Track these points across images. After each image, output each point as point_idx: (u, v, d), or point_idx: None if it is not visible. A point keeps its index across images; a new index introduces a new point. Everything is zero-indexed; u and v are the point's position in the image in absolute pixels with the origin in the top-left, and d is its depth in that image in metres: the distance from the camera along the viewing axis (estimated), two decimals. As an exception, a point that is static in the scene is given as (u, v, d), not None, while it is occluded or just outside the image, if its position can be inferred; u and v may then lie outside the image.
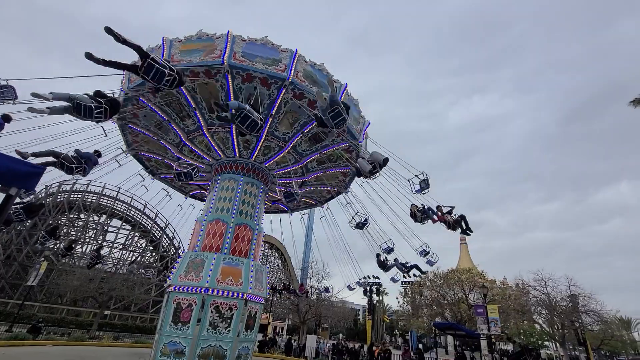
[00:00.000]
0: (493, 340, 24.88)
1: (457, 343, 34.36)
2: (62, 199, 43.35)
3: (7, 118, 8.88)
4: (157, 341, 10.91)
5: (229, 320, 11.09)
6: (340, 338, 63.89)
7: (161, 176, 17.51)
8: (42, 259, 36.85)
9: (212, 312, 10.94)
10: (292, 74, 10.93)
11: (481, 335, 21.30)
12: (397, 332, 68.60)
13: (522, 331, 35.68)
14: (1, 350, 14.07)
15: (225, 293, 11.29)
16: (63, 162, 9.37)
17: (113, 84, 12.62)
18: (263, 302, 13.20)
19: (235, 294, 11.43)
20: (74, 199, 44.40)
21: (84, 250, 43.88)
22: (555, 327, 28.14)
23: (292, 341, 27.26)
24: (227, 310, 11.16)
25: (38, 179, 3.09)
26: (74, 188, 44.23)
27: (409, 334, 49.73)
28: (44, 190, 40.25)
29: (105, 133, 12.79)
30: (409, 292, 48.19)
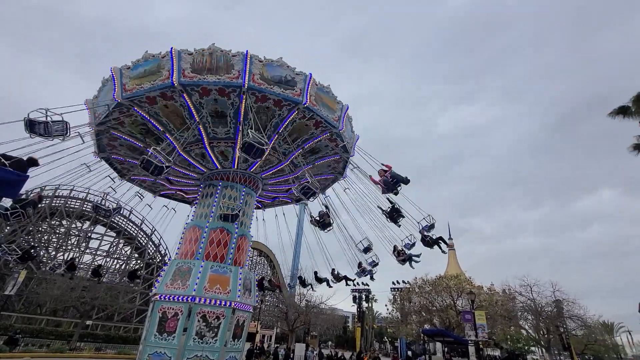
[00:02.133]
0: (481, 346, 25.08)
1: (446, 350, 34.49)
2: (43, 205, 42.02)
3: (33, 162, 7.24)
4: (141, 352, 10.62)
5: (216, 330, 10.90)
6: (330, 346, 63.40)
7: (132, 177, 16.40)
8: (21, 267, 35.55)
9: (198, 321, 10.74)
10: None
11: (469, 342, 21.46)
12: (387, 339, 68.44)
13: (509, 337, 36.08)
14: (-25, 364, 13.43)
15: (213, 302, 11.11)
16: None
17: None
18: (251, 310, 13.04)
19: (223, 303, 11.26)
20: (56, 204, 43.11)
21: (65, 258, 42.51)
22: (541, 332, 28.60)
23: (279, 350, 26.91)
24: (214, 319, 10.97)
25: (21, 186, 3.01)
26: (57, 193, 42.98)
27: (398, 341, 49.70)
28: (23, 195, 39.00)
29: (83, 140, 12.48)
30: (398, 299, 48.27)
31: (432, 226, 14.47)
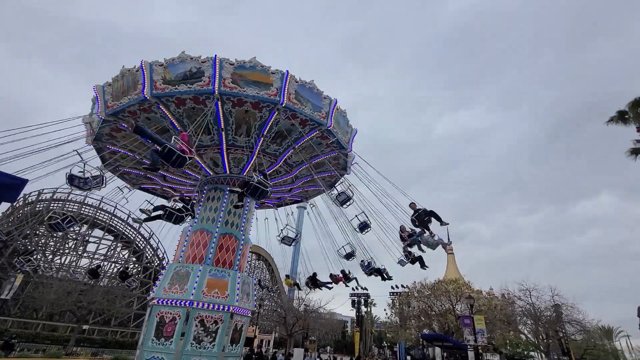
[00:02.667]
0: (480, 351, 24.98)
1: (445, 355, 34.33)
2: (41, 208, 41.84)
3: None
4: (138, 357, 10.53)
5: (214, 334, 10.83)
6: (329, 351, 63.01)
7: (122, 169, 15.34)
8: (18, 271, 35.28)
9: (196, 325, 10.67)
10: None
11: (468, 347, 21.37)
12: (386, 344, 68.08)
13: (508, 341, 35.96)
14: (-31, 369, 13.30)
15: (211, 306, 11.05)
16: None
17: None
18: (250, 314, 12.97)
19: (221, 307, 11.20)
20: (53, 207, 42.91)
21: (62, 262, 42.29)
22: (540, 337, 28.54)
23: (277, 355, 26.73)
24: (212, 324, 10.90)
25: (20, 191, 3.02)
26: (54, 197, 42.83)
27: (397, 345, 49.46)
28: (21, 198, 38.81)
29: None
30: (397, 303, 48.09)
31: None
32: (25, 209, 40.25)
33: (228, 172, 13.82)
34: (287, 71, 11.01)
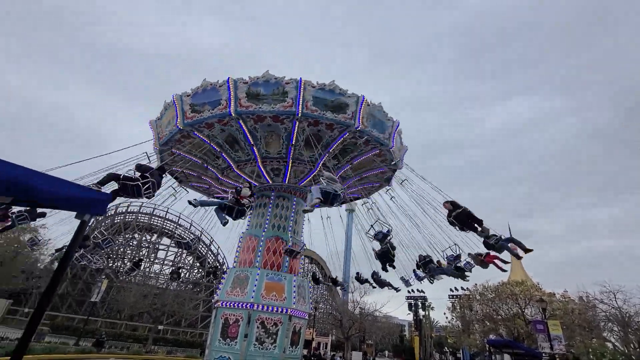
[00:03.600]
0: (557, 359, 22.61)
1: (516, 362, 31.57)
2: (118, 220, 47.10)
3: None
4: (208, 356, 11.29)
5: (274, 336, 11.23)
6: (387, 355, 61.61)
7: (178, 169, 15.85)
8: (104, 276, 40.03)
9: (258, 327, 11.16)
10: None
11: (543, 354, 19.48)
12: (447, 350, 64.68)
13: (590, 350, 32.02)
14: (71, 362, 15.34)
15: (270, 308, 11.49)
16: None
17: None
18: (307, 317, 13.23)
19: (280, 309, 11.58)
20: (129, 219, 48.02)
21: (140, 268, 46.93)
22: (631, 345, 24.98)
23: (336, 358, 26.79)
24: (272, 326, 11.32)
25: (106, 205, 3.45)
26: (129, 210, 47.93)
27: (461, 351, 46.71)
28: (112, 209, 43.87)
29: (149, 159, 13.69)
30: (458, 307, 45.49)
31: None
32: (116, 218, 45.59)
33: (287, 182, 14.35)
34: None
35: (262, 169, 13.74)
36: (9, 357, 2.74)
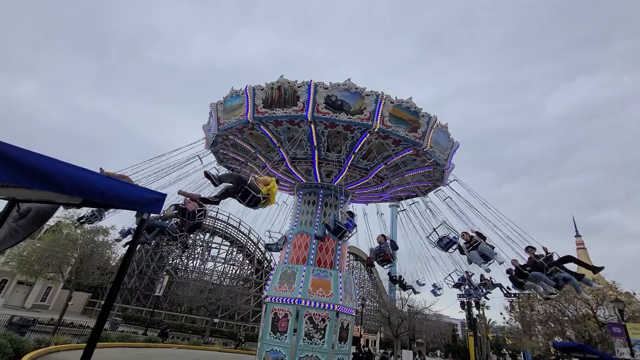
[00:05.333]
0: (640, 367, 20.00)
1: (588, 369, 28.60)
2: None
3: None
4: (260, 349, 11.73)
5: (322, 331, 11.33)
6: (439, 355, 59.39)
7: (231, 166, 16.37)
8: (165, 273, 43.50)
9: (306, 322, 11.35)
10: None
11: (621, 361, 17.41)
12: (506, 352, 60.63)
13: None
14: (141, 350, 16.88)
15: (317, 304, 11.61)
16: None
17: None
18: (354, 313, 13.18)
19: (327, 305, 11.66)
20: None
21: (195, 265, 50.35)
22: None
23: (387, 355, 26.35)
24: (320, 321, 11.43)
25: (162, 204, 3.69)
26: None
27: (521, 354, 43.47)
28: (162, 213, 47.59)
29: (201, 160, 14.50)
30: (516, 306, 42.32)
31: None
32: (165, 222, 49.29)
33: (320, 181, 14.42)
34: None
35: (317, 170, 13.87)
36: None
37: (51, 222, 22.48)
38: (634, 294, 32.82)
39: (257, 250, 54.04)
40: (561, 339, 32.72)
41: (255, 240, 53.84)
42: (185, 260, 51.08)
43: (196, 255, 50.40)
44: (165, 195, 4.09)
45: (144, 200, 3.41)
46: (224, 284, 46.37)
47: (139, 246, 44.86)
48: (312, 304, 11.60)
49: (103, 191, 3.05)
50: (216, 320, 37.94)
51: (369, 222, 18.77)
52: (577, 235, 69.14)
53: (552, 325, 35.03)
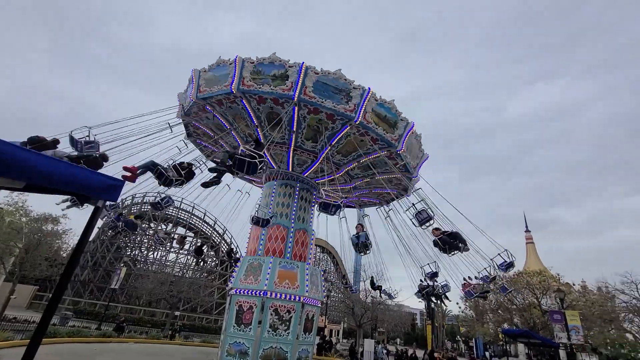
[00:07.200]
0: (574, 350, 22.18)
1: (531, 352, 31.33)
2: (135, 210, 48.18)
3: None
4: (223, 341, 11.52)
5: (287, 323, 11.34)
6: (399, 343, 62.06)
7: (201, 142, 15.54)
8: (122, 264, 41.31)
9: (271, 314, 11.29)
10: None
11: (560, 345, 19.19)
12: (459, 338, 64.66)
13: (609, 341, 31.39)
14: (94, 346, 15.95)
15: (283, 296, 11.58)
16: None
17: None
18: (319, 305, 13.30)
19: (293, 297, 11.66)
20: (145, 210, 49.10)
21: (155, 257, 48.29)
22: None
23: (354, 346, 27.20)
24: (285, 313, 11.43)
25: (120, 191, 3.42)
26: (144, 200, 48.93)
27: (474, 340, 46.58)
28: (129, 199, 44.72)
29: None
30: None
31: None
32: (132, 209, 46.57)
33: (291, 169, 14.20)
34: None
35: (290, 157, 13.53)
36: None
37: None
38: (574, 284, 36.24)
39: (223, 241, 52.91)
40: (509, 326, 35.48)
41: (220, 231, 52.65)
42: (145, 252, 48.85)
43: (157, 246, 48.31)
44: (123, 182, 3.78)
45: (98, 186, 3.14)
46: (187, 276, 45.00)
47: (95, 236, 42.14)
48: (278, 295, 11.54)
49: (50, 174, 2.76)
50: (177, 313, 36.80)
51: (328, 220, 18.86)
52: (527, 231, 75.03)
53: (502, 313, 37.86)
